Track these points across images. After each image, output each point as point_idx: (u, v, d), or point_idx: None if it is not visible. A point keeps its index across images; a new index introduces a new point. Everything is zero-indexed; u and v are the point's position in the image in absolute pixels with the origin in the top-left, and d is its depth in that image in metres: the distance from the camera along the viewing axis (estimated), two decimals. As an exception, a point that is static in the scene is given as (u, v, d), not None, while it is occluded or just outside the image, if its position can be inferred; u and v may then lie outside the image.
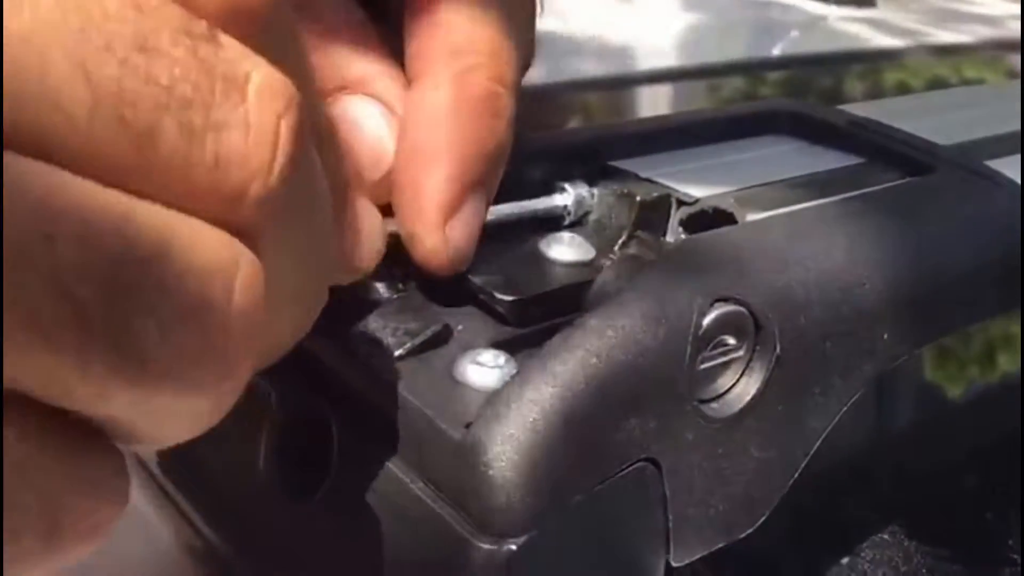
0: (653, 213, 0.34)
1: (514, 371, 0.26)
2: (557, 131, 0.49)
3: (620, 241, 0.34)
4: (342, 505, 0.28)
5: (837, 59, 1.00)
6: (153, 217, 0.17)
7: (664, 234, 0.35)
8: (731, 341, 0.28)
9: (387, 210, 0.28)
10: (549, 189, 0.35)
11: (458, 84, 0.29)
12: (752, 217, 0.33)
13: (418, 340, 0.28)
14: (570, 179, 0.35)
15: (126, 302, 0.16)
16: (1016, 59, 1.00)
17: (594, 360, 0.25)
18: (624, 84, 0.91)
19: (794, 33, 1.10)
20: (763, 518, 0.29)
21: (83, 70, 0.16)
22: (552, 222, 0.34)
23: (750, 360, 0.28)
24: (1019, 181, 0.37)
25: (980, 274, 0.34)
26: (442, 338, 0.28)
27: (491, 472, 0.24)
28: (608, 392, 0.25)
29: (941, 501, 0.39)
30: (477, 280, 0.30)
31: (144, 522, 0.36)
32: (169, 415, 0.18)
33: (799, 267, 0.29)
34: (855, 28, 1.13)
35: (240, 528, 0.33)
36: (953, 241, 0.34)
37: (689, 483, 0.27)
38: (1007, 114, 0.48)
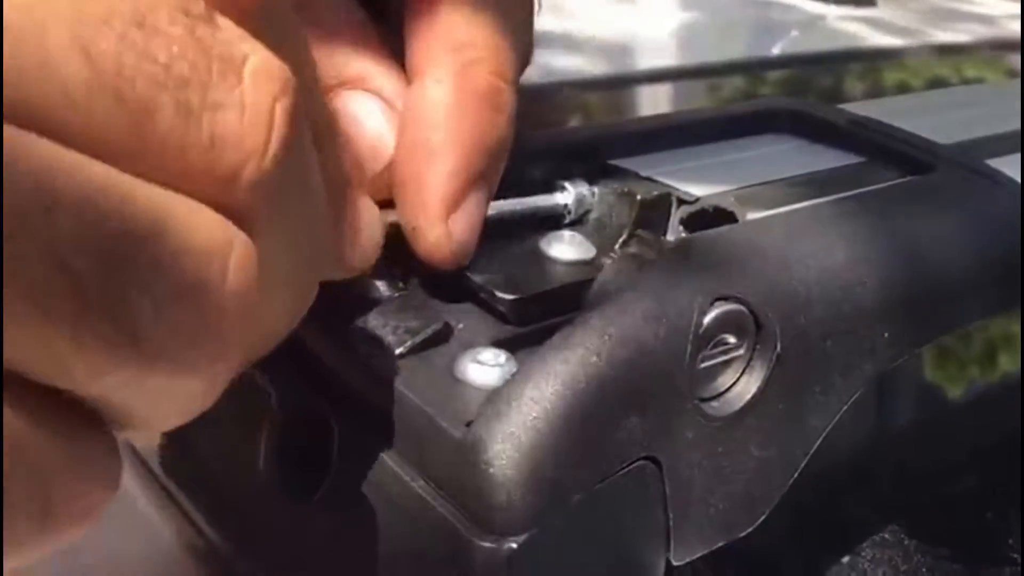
0: (654, 212, 0.34)
1: (514, 370, 0.26)
2: (557, 130, 0.50)
3: (621, 240, 0.34)
4: (342, 504, 0.28)
5: (837, 58, 1.00)
6: (150, 195, 0.17)
7: (665, 233, 0.35)
8: (731, 340, 0.28)
9: (385, 204, 0.28)
10: (550, 188, 0.35)
11: (460, 79, 0.29)
12: (753, 216, 0.33)
13: (418, 338, 0.28)
14: (570, 178, 0.35)
15: (122, 277, 0.16)
16: (1016, 58, 1.00)
17: (595, 359, 0.25)
18: (624, 83, 0.91)
19: (794, 33, 1.10)
20: (763, 517, 0.29)
21: (81, 43, 0.16)
22: (553, 221, 0.34)
23: (750, 359, 0.28)
24: (1019, 180, 0.37)
25: (980, 273, 0.34)
26: (442, 336, 0.28)
27: (492, 470, 0.24)
28: (609, 391, 0.25)
29: (941, 500, 0.39)
30: (478, 279, 0.30)
31: (145, 521, 0.36)
32: (162, 396, 0.19)
33: (799, 266, 0.29)
34: (854, 27, 1.13)
35: (241, 527, 0.33)
36: (953, 240, 0.34)
37: (689, 482, 0.27)
38: (1007, 113, 0.48)
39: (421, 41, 0.30)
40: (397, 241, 0.28)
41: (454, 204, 0.29)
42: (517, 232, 0.33)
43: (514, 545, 0.24)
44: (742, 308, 0.28)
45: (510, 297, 0.29)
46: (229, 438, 0.31)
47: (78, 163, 0.16)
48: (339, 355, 0.29)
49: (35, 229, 0.15)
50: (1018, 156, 0.41)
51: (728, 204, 0.34)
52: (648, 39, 1.02)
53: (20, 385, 0.16)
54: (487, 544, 0.24)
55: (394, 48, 0.31)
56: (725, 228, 0.32)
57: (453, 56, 0.30)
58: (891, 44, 1.07)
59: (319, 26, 0.30)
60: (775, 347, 0.28)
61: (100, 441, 0.18)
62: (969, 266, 0.34)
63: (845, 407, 0.30)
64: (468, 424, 0.25)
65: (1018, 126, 0.46)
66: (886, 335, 0.31)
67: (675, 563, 0.27)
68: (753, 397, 0.28)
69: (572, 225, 0.35)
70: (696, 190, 0.35)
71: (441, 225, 0.29)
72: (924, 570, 0.35)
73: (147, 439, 0.34)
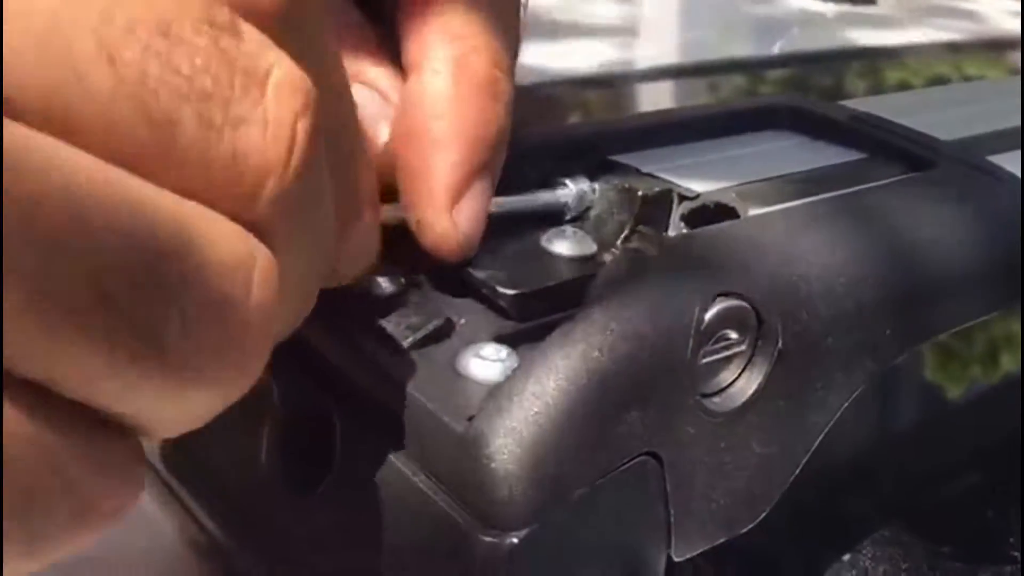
0: (655, 208, 0.34)
1: (516, 365, 0.26)
2: (558, 126, 0.49)
3: (622, 236, 0.34)
4: (344, 499, 0.28)
5: (838, 57, 1.00)
6: (176, 209, 0.17)
7: (666, 229, 0.35)
8: (733, 336, 0.28)
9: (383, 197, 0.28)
10: (551, 184, 0.35)
11: (458, 69, 0.29)
12: (754, 212, 0.33)
13: (420, 334, 0.28)
14: (571, 174, 0.35)
15: (152, 294, 0.16)
16: (1016, 57, 1.00)
17: (596, 354, 0.25)
18: (624, 82, 0.91)
19: (794, 30, 1.10)
20: (764, 513, 0.29)
21: (107, 51, 0.16)
22: (554, 217, 0.34)
23: (752, 355, 0.28)
24: (1020, 176, 0.37)
25: (982, 269, 0.34)
26: (444, 332, 0.28)
27: (493, 465, 0.24)
28: (610, 386, 0.25)
29: (942, 499, 0.39)
30: (479, 274, 0.30)
31: (148, 517, 0.36)
32: (182, 405, 0.19)
33: (801, 262, 0.29)
34: (854, 25, 1.13)
35: (243, 523, 0.33)
36: (954, 236, 0.34)
37: (691, 478, 0.27)
38: (1008, 110, 0.48)
39: (417, 34, 0.30)
40: (398, 237, 0.28)
41: (458, 194, 0.29)
42: (518, 228, 0.33)
43: (515, 540, 0.24)
44: (744, 304, 0.28)
45: (512, 292, 0.29)
46: (231, 433, 0.31)
47: (111, 176, 0.16)
48: (341, 351, 0.29)
49: (70, 247, 0.15)
50: (1018, 153, 0.41)
51: (729, 200, 0.34)
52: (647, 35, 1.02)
53: (50, 396, 0.17)
54: (488, 539, 0.24)
55: (390, 49, 0.31)
56: (726, 224, 0.32)
57: (450, 47, 0.30)
58: (891, 43, 1.08)
59: None
60: (777, 343, 0.28)
61: (125, 445, 0.19)
62: (971, 262, 0.34)
63: (846, 404, 0.30)
64: (470, 419, 0.25)
65: (1018, 123, 0.46)
66: (888, 331, 0.31)
67: (676, 559, 0.27)
68: (755, 393, 0.28)
69: (573, 221, 0.35)
70: (697, 186, 0.35)
71: (447, 216, 0.29)
72: (925, 568, 0.35)
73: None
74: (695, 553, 0.28)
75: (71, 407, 0.17)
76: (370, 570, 0.27)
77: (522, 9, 0.34)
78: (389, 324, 0.28)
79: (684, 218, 0.34)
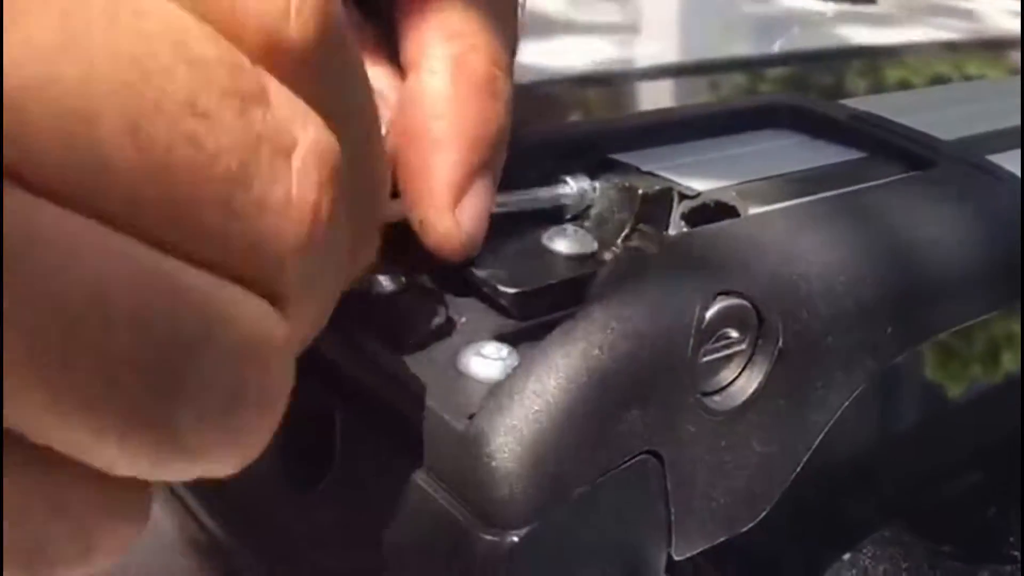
0: (655, 206, 0.34)
1: (516, 363, 0.26)
2: (558, 124, 0.49)
3: (622, 234, 0.34)
4: (345, 497, 0.28)
5: (838, 56, 1.00)
6: (198, 291, 0.17)
7: (666, 227, 0.35)
8: (734, 334, 0.28)
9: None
10: (551, 182, 0.35)
11: (456, 68, 0.29)
12: (754, 211, 0.33)
13: (421, 332, 0.28)
14: (572, 172, 0.35)
15: (168, 387, 0.16)
16: (1016, 56, 1.00)
17: (597, 352, 0.25)
18: (624, 80, 0.91)
19: (793, 29, 1.10)
20: (764, 512, 0.29)
21: (132, 128, 0.16)
22: (554, 215, 0.34)
23: (752, 353, 0.28)
24: (1020, 176, 0.37)
25: (982, 268, 0.34)
26: (445, 330, 0.28)
27: (494, 463, 0.24)
28: (610, 384, 0.25)
29: (943, 498, 0.39)
30: (480, 272, 0.30)
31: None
32: (192, 471, 0.18)
33: (801, 261, 0.29)
34: (852, 24, 1.13)
35: (243, 520, 0.33)
36: (955, 235, 0.34)
37: (691, 476, 0.27)
38: (1007, 109, 0.48)
39: (415, 33, 0.30)
40: (399, 235, 0.28)
41: (460, 193, 0.29)
42: (519, 227, 0.33)
43: (515, 538, 0.24)
44: (744, 303, 0.28)
45: (512, 291, 0.29)
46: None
47: (129, 252, 0.16)
48: (342, 349, 0.29)
49: (85, 331, 0.15)
50: (1018, 152, 0.41)
51: (730, 199, 0.34)
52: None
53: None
54: (489, 537, 0.24)
55: (388, 47, 0.31)
56: (727, 223, 0.32)
57: (448, 46, 0.30)
58: (889, 42, 1.08)
59: None
60: (777, 342, 0.28)
61: (134, 487, 0.18)
62: (971, 262, 0.34)
63: (847, 403, 0.30)
64: (470, 417, 0.25)
65: (1018, 122, 0.46)
66: (888, 330, 0.31)
67: (676, 558, 0.27)
68: (755, 392, 0.28)
69: (574, 220, 0.35)
70: (697, 185, 0.35)
71: (449, 215, 0.28)
72: (925, 567, 0.35)
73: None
74: (695, 552, 0.28)
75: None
76: (370, 568, 0.27)
77: (520, 7, 0.34)
78: (390, 322, 0.28)
79: (684, 217, 0.34)
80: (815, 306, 0.29)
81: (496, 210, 0.31)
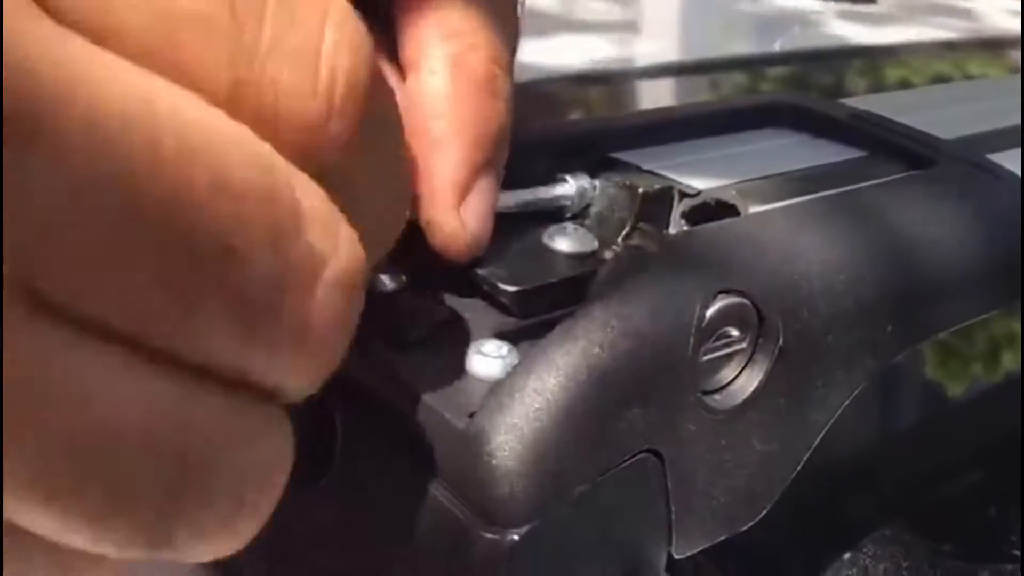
0: (655, 205, 0.34)
1: (517, 361, 0.26)
2: (558, 123, 0.49)
3: (623, 233, 0.34)
4: (345, 495, 0.28)
5: (838, 55, 1.00)
6: (207, 419, 0.17)
7: (666, 226, 0.35)
8: (734, 333, 0.28)
9: None
10: (551, 181, 0.35)
11: (455, 67, 0.29)
12: (755, 209, 0.33)
13: (421, 330, 0.28)
14: (572, 171, 0.35)
15: (171, 513, 0.17)
16: (1016, 55, 1.00)
17: (597, 350, 0.25)
18: (624, 79, 0.91)
19: (793, 28, 1.10)
20: (765, 511, 0.29)
21: (164, 278, 0.15)
22: (554, 214, 0.34)
23: (753, 352, 0.28)
24: (1020, 175, 0.37)
25: (983, 267, 0.34)
26: (445, 329, 0.28)
27: (494, 462, 0.24)
28: (611, 383, 0.25)
29: (943, 497, 0.39)
30: (480, 271, 0.30)
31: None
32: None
33: (802, 259, 0.29)
34: (853, 23, 1.13)
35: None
36: (955, 234, 0.34)
37: (691, 475, 0.27)
38: (1008, 108, 0.48)
39: (413, 32, 0.30)
40: (400, 240, 0.28)
41: (464, 192, 0.29)
42: (519, 225, 0.33)
43: (516, 537, 0.24)
44: (745, 301, 0.28)
45: (513, 289, 0.29)
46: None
47: (146, 387, 0.16)
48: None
49: (97, 469, 0.15)
50: (1018, 151, 0.41)
51: (730, 198, 0.34)
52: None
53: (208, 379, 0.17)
54: (489, 535, 0.24)
55: (385, 45, 0.31)
56: (727, 221, 0.32)
57: (446, 45, 0.30)
58: (886, 41, 1.08)
59: None
60: (778, 341, 0.28)
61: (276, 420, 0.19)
62: (971, 261, 0.34)
63: (847, 401, 0.30)
64: (471, 415, 0.25)
65: (1018, 121, 0.46)
66: (888, 329, 0.31)
67: (676, 556, 0.27)
68: (755, 390, 0.28)
69: (574, 218, 0.35)
70: (698, 183, 0.35)
71: (455, 215, 0.28)
72: (925, 566, 0.35)
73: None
74: (696, 551, 0.28)
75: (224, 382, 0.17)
76: (371, 567, 0.27)
77: (520, 5, 0.34)
78: (390, 321, 0.28)
79: (685, 215, 0.34)
80: (815, 305, 0.29)
81: (497, 209, 0.31)
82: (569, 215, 0.35)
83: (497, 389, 0.25)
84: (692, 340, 0.26)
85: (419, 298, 0.30)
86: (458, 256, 0.29)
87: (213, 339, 0.16)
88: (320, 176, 0.18)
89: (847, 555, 0.34)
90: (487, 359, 0.27)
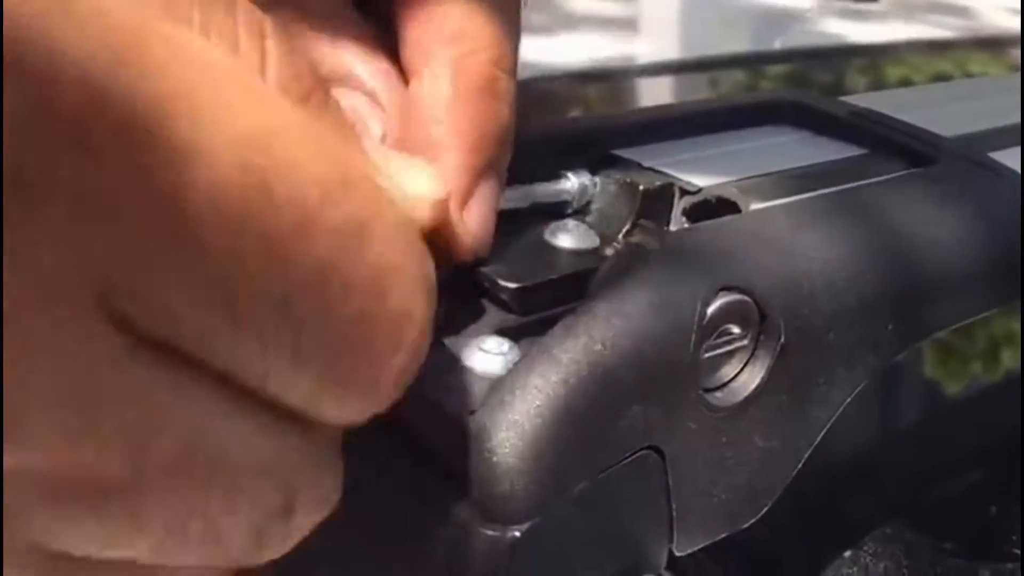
0: (656, 202, 0.34)
1: (518, 358, 0.26)
2: (559, 120, 0.49)
3: (624, 230, 0.34)
4: (346, 492, 0.28)
5: (838, 54, 1.00)
6: (293, 456, 0.20)
7: (667, 223, 0.34)
8: (735, 330, 0.28)
9: None
10: (552, 178, 0.35)
11: (457, 70, 0.29)
12: (756, 207, 0.33)
13: None
14: (572, 168, 0.35)
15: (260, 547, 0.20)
16: (1017, 54, 1.00)
17: (598, 347, 0.25)
18: (624, 77, 0.91)
19: (794, 25, 1.10)
20: (766, 509, 0.29)
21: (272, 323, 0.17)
22: (555, 210, 0.34)
23: (754, 349, 0.28)
24: (1021, 173, 0.37)
25: (984, 265, 0.34)
26: (446, 325, 0.28)
27: (495, 459, 0.24)
28: (612, 379, 0.25)
29: (944, 496, 0.38)
30: (481, 268, 0.30)
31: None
32: None
33: (803, 257, 0.29)
34: (853, 21, 1.13)
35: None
36: (957, 232, 0.34)
37: (692, 472, 0.27)
38: (1008, 107, 0.48)
39: (415, 34, 0.30)
40: None
41: (467, 196, 0.28)
42: (520, 222, 0.33)
43: (517, 533, 0.24)
44: (746, 298, 0.27)
45: (514, 286, 0.29)
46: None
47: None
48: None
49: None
50: (1018, 150, 0.41)
51: (731, 195, 0.34)
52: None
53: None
54: (490, 532, 0.24)
55: (385, 45, 0.31)
56: (728, 219, 0.32)
57: (449, 47, 0.29)
58: (892, 39, 1.07)
59: (307, 19, 0.30)
60: (779, 338, 0.28)
61: (321, 435, 0.20)
62: (973, 259, 0.33)
63: (849, 399, 0.30)
64: (472, 412, 0.25)
65: (1018, 120, 0.46)
66: (889, 327, 0.31)
67: (677, 554, 0.27)
68: (757, 388, 0.28)
69: (575, 215, 0.35)
70: (699, 180, 0.35)
71: (457, 220, 0.28)
72: (926, 565, 0.35)
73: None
74: (697, 548, 0.28)
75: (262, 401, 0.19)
76: (371, 564, 0.27)
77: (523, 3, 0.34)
78: None
79: (686, 212, 0.34)
80: (817, 302, 0.29)
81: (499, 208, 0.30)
82: (570, 212, 0.34)
83: (498, 386, 0.25)
84: (693, 337, 0.26)
85: None
86: (460, 258, 0.29)
87: (299, 380, 0.18)
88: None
89: (848, 553, 0.34)
90: (488, 356, 0.27)
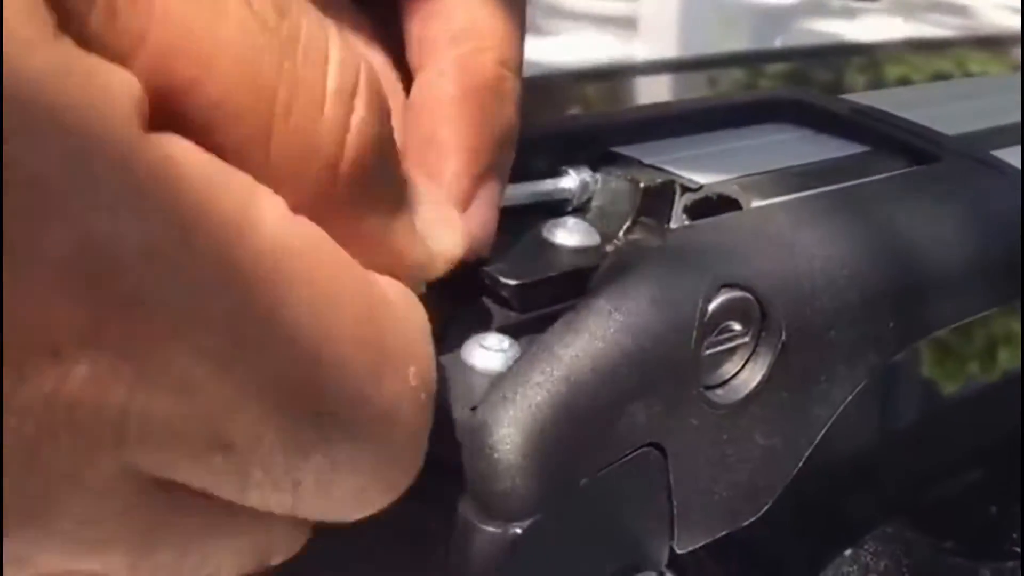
0: (657, 199, 0.34)
1: (518, 355, 0.26)
2: (559, 117, 0.49)
3: (624, 227, 0.34)
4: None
5: (837, 52, 1.00)
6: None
7: (668, 220, 0.34)
8: (737, 327, 0.27)
9: None
10: (552, 175, 0.34)
11: (462, 70, 0.29)
12: (757, 204, 0.33)
13: None
14: (573, 165, 0.35)
15: None
16: (1017, 53, 1.00)
17: (600, 344, 0.25)
18: (623, 75, 0.91)
19: (793, 24, 1.10)
20: (767, 506, 0.29)
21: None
22: (556, 207, 0.34)
23: (755, 346, 0.28)
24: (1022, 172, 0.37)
25: (987, 263, 0.34)
26: (447, 322, 0.28)
27: (496, 455, 0.24)
28: (613, 377, 0.25)
29: (944, 495, 0.38)
30: (482, 265, 0.30)
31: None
32: None
33: (805, 254, 0.29)
34: (854, 19, 1.13)
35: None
36: (959, 230, 0.34)
37: (694, 469, 0.27)
38: (1009, 106, 0.48)
39: (421, 30, 0.30)
40: None
41: (469, 198, 0.28)
42: (521, 218, 0.32)
43: (518, 530, 0.24)
44: (747, 295, 0.27)
45: (514, 283, 0.29)
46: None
47: None
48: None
49: None
50: (1018, 148, 0.41)
51: (732, 192, 0.34)
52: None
53: None
54: (491, 529, 0.24)
55: (384, 37, 0.31)
56: (729, 216, 0.32)
57: (454, 46, 0.29)
58: (892, 38, 1.07)
59: None
60: (780, 335, 0.28)
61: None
62: (975, 256, 0.33)
63: (850, 397, 0.30)
64: (473, 409, 0.25)
65: (1018, 119, 0.46)
66: (891, 324, 0.31)
67: (678, 551, 0.27)
68: (758, 385, 0.28)
69: (575, 212, 0.34)
70: (700, 178, 0.34)
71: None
72: (927, 564, 0.35)
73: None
74: (698, 545, 0.28)
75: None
76: (372, 561, 0.27)
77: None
78: None
79: (686, 210, 0.34)
80: (818, 300, 0.29)
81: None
82: (571, 209, 0.34)
83: (499, 383, 0.25)
84: (695, 334, 0.26)
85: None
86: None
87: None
88: None
89: (848, 552, 0.34)
90: (489, 353, 0.27)
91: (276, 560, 0.22)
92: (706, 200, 0.34)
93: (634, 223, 0.34)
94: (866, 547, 0.34)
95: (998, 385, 0.45)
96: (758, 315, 0.28)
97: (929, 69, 0.97)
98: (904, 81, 0.91)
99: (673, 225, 0.34)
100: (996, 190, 0.36)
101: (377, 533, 0.26)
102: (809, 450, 0.29)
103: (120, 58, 0.17)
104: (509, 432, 0.24)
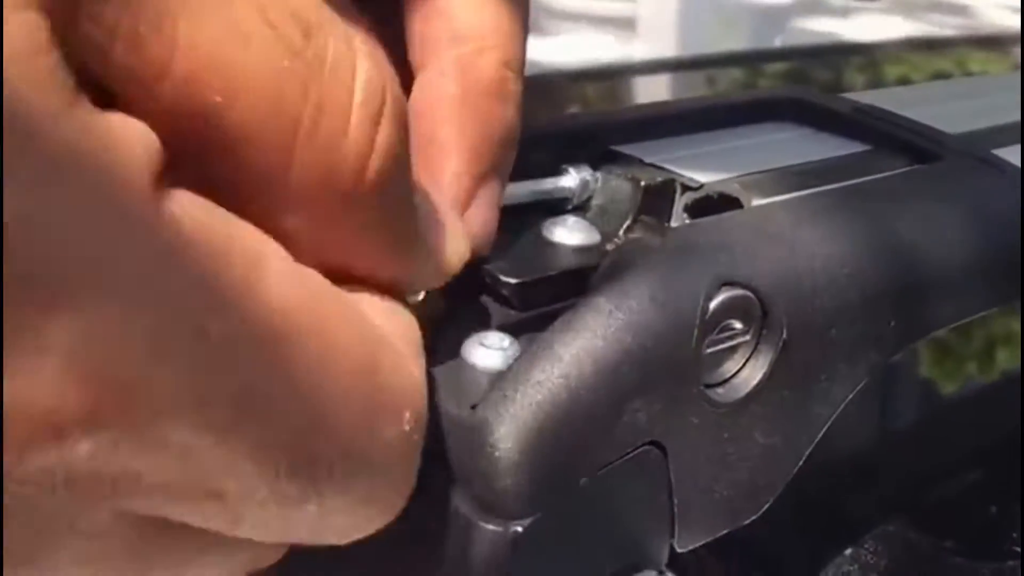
0: (657, 198, 0.34)
1: (518, 353, 0.26)
2: (560, 116, 0.49)
3: (625, 225, 0.34)
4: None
5: (836, 52, 1.00)
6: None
7: (668, 219, 0.34)
8: (737, 325, 0.27)
9: None
10: (553, 173, 0.34)
11: (464, 70, 0.29)
12: (757, 203, 0.33)
13: (422, 323, 0.28)
14: (574, 163, 0.35)
15: None
16: (1017, 52, 1.00)
17: (600, 342, 0.25)
18: (623, 74, 0.91)
19: (792, 23, 1.10)
20: (767, 505, 0.29)
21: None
22: (556, 206, 0.34)
23: (756, 345, 0.28)
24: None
25: (988, 262, 0.34)
26: (447, 321, 0.28)
27: (497, 454, 0.24)
28: (613, 375, 0.25)
29: (945, 495, 0.38)
30: (482, 264, 0.30)
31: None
32: None
33: (806, 253, 0.29)
34: (853, 18, 1.13)
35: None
36: (961, 229, 0.33)
37: (694, 468, 0.27)
38: (1008, 105, 0.48)
39: (422, 29, 0.30)
40: None
41: (469, 199, 0.28)
42: (521, 217, 0.32)
43: (519, 529, 0.24)
44: (748, 294, 0.27)
45: (514, 281, 0.29)
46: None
47: None
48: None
49: None
50: (1018, 147, 0.41)
51: (733, 191, 0.34)
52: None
53: None
54: (492, 527, 0.24)
55: (382, 36, 0.31)
56: (730, 214, 0.32)
57: (456, 46, 0.29)
58: (892, 37, 1.07)
59: None
60: (781, 333, 0.28)
61: None
62: (977, 255, 0.33)
63: (850, 396, 0.30)
64: (473, 407, 0.25)
65: (1019, 118, 0.46)
66: (891, 323, 0.31)
67: (679, 550, 0.27)
68: (759, 384, 0.28)
69: (575, 210, 0.34)
70: (700, 176, 0.34)
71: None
72: (926, 563, 0.35)
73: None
74: (698, 544, 0.28)
75: None
76: (372, 559, 0.27)
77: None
78: None
79: (687, 208, 0.34)
80: (819, 298, 0.29)
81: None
82: (571, 207, 0.34)
83: (499, 381, 0.25)
84: (695, 333, 0.26)
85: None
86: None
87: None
88: None
89: (849, 551, 0.34)
90: (489, 351, 0.27)
91: (268, 563, 0.22)
92: (707, 199, 0.34)
93: (634, 222, 0.34)
94: (866, 546, 0.34)
95: (998, 385, 0.45)
96: (759, 313, 0.28)
97: (929, 68, 0.97)
98: (904, 80, 0.91)
99: (674, 224, 0.34)
100: (997, 189, 0.36)
101: (377, 532, 0.26)
102: (810, 449, 0.29)
103: (144, 88, 0.17)
104: (509, 431, 0.24)
